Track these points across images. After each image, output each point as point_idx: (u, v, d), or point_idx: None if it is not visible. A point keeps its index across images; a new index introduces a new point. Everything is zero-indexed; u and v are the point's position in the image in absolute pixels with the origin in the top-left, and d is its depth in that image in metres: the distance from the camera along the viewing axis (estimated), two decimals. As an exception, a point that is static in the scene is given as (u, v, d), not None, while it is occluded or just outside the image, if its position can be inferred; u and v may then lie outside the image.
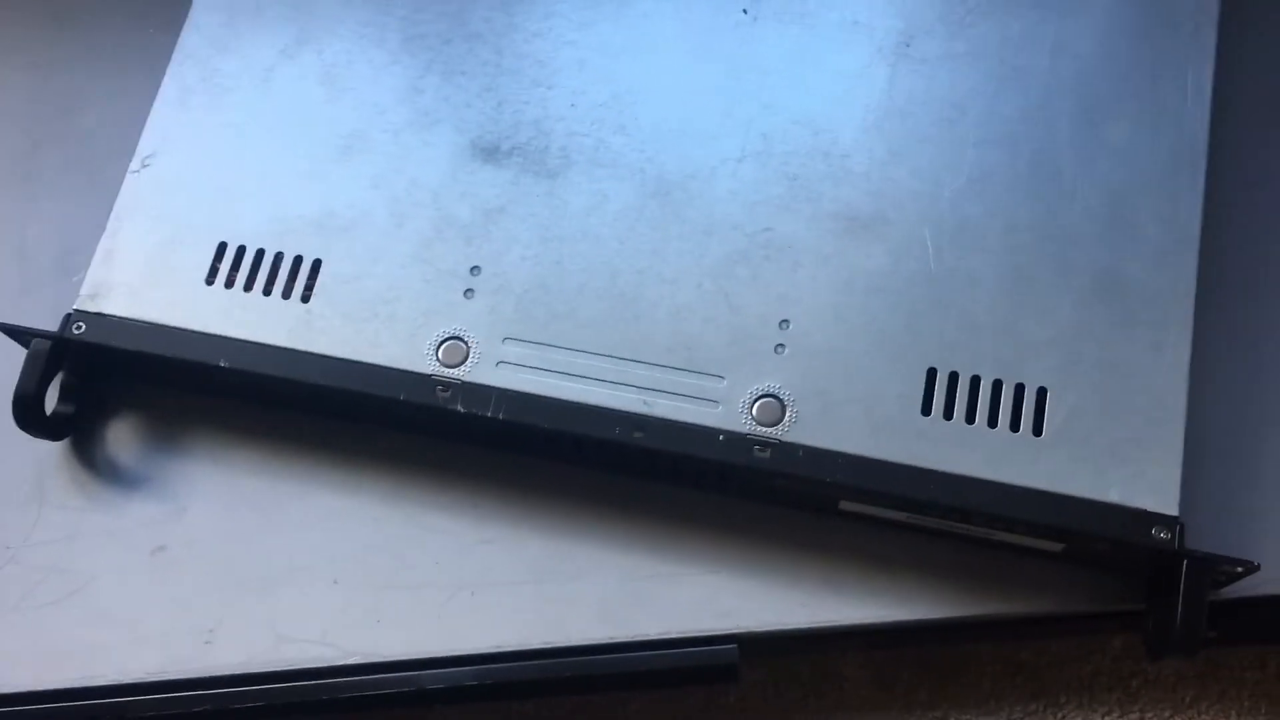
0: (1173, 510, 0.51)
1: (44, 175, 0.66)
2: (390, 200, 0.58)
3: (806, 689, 0.62)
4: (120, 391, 0.60)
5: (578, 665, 0.55)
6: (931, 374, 0.54)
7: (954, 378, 0.54)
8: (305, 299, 0.57)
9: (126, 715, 0.55)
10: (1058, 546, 0.54)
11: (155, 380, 0.60)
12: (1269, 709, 0.60)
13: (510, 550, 0.57)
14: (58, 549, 0.58)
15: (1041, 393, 0.53)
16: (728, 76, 0.60)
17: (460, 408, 0.54)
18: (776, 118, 0.59)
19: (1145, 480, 0.52)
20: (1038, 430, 0.53)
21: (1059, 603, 0.55)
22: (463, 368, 0.55)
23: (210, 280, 0.58)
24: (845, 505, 0.55)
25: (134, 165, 0.60)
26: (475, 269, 0.57)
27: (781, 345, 0.55)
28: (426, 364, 0.55)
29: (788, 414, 0.54)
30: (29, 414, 0.57)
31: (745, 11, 0.61)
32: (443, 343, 0.56)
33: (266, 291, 0.57)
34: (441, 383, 0.55)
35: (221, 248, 0.58)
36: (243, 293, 0.57)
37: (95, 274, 0.58)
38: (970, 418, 0.53)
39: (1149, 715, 0.60)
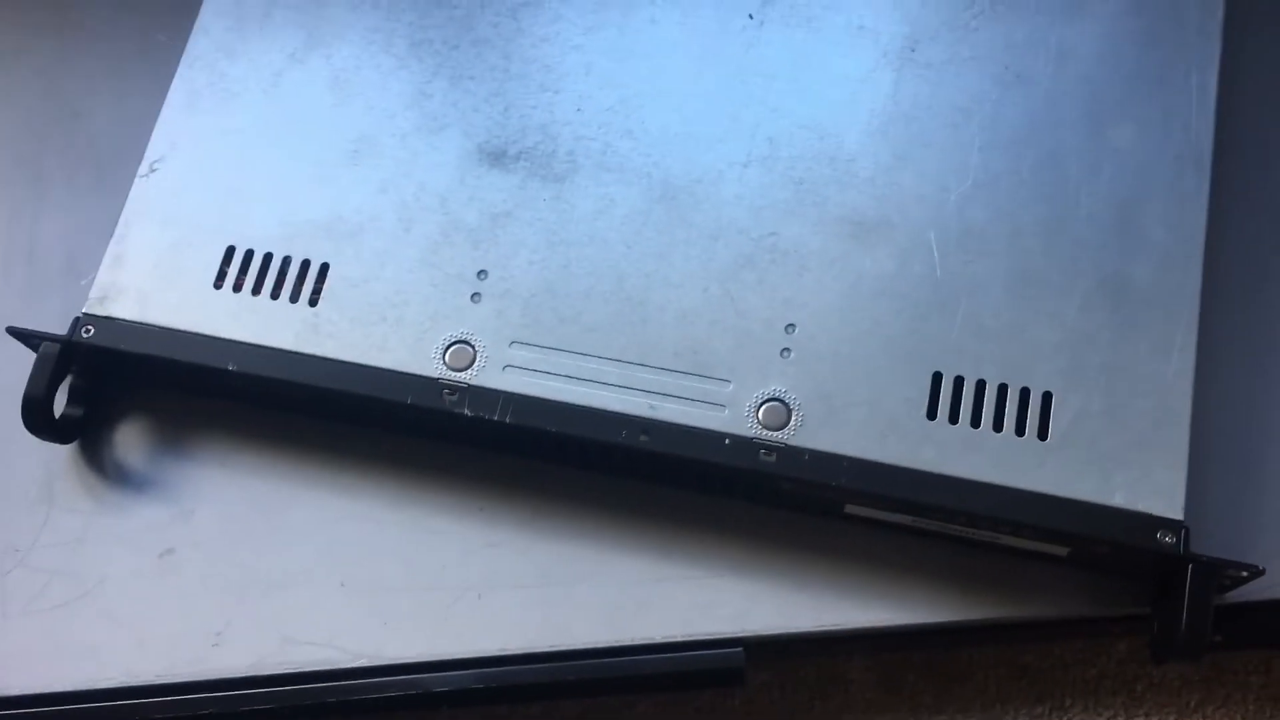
0: (1178, 514, 0.51)
1: (53, 179, 0.66)
2: (398, 204, 0.59)
3: (812, 692, 0.62)
4: (129, 395, 0.61)
5: (584, 668, 0.55)
6: (937, 378, 0.54)
7: (959, 382, 0.54)
8: (313, 303, 0.57)
9: (134, 718, 0.55)
10: (1063, 550, 0.54)
11: (163, 383, 0.60)
12: (1274, 713, 0.60)
13: (517, 553, 0.57)
14: (66, 552, 0.58)
15: (1047, 397, 0.53)
16: (733, 81, 0.60)
17: (467, 411, 0.55)
18: (782, 122, 0.59)
19: (1150, 484, 0.52)
20: (1043, 434, 0.53)
21: (1064, 606, 0.55)
22: (469, 371, 0.55)
23: (218, 284, 0.58)
24: (851, 509, 0.55)
25: (142, 169, 0.60)
26: (482, 273, 0.57)
27: (787, 349, 0.55)
28: (433, 368, 0.56)
29: (793, 418, 0.54)
30: (38, 417, 0.57)
31: (751, 16, 0.61)
32: (450, 346, 0.56)
33: (274, 295, 0.57)
34: (448, 386, 0.55)
35: (230, 251, 0.58)
36: (251, 296, 0.58)
37: (104, 277, 0.58)
38: (975, 422, 0.53)
39: (1154, 719, 0.60)
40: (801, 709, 0.62)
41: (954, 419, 0.53)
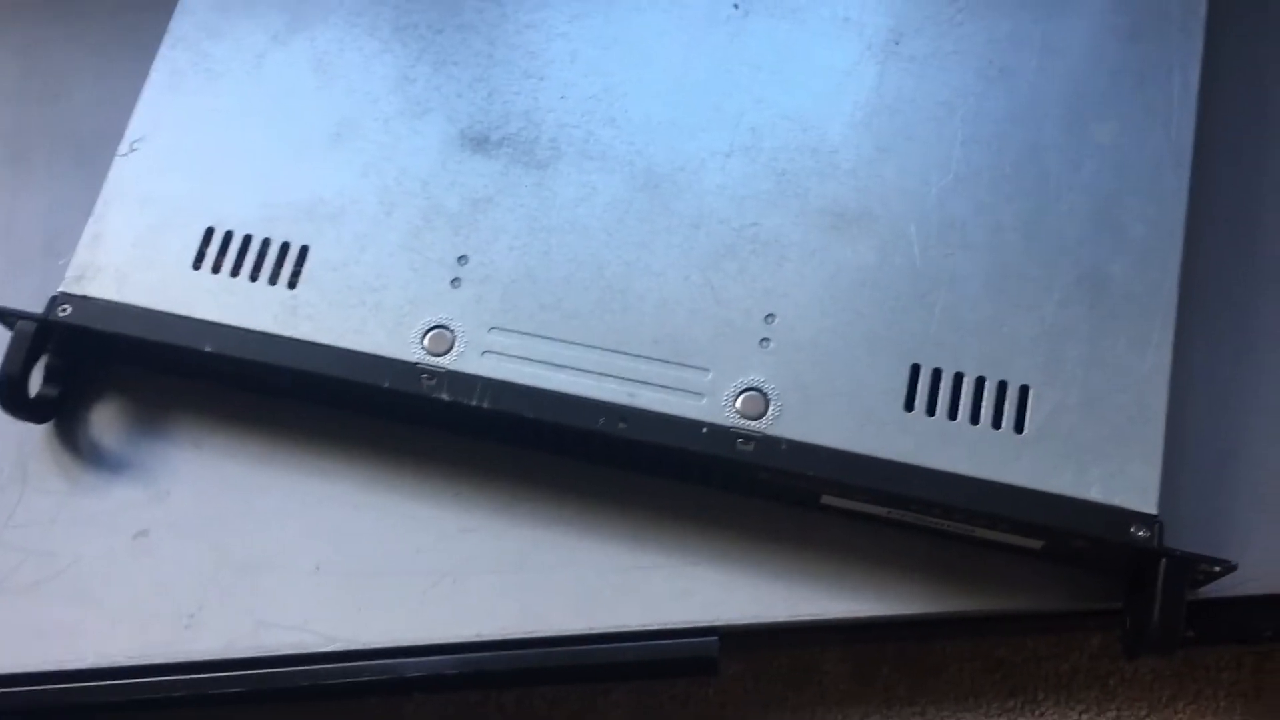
0: (1152, 509, 0.52)
1: (32, 158, 0.66)
2: (379, 188, 0.58)
3: (786, 682, 0.62)
4: (105, 375, 0.60)
5: (558, 655, 0.55)
6: (915, 370, 0.54)
7: (937, 374, 0.54)
8: (292, 285, 0.57)
9: (105, 699, 0.55)
10: (1038, 544, 0.54)
11: (140, 364, 0.60)
12: (1245, 708, 0.61)
13: (492, 539, 0.57)
14: (40, 532, 0.58)
15: (1024, 390, 0.54)
16: (718, 71, 0.60)
17: (445, 396, 0.55)
18: (766, 113, 0.59)
19: (1125, 479, 0.52)
20: (1019, 427, 0.53)
21: (1038, 600, 0.55)
22: (448, 356, 0.55)
23: (197, 265, 0.58)
24: (827, 499, 0.55)
25: (122, 149, 0.60)
26: (463, 258, 0.57)
27: (766, 339, 0.55)
28: (412, 352, 0.55)
29: (771, 407, 0.54)
30: (13, 396, 0.57)
31: (736, 6, 0.61)
32: (429, 331, 0.56)
33: (253, 277, 0.57)
34: (427, 371, 0.55)
35: (209, 232, 0.58)
36: (229, 278, 0.57)
37: (82, 257, 0.58)
38: (953, 414, 0.53)
39: (1125, 713, 0.60)
40: (775, 699, 0.62)
41: (931, 411, 0.54)
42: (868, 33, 0.60)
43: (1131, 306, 0.55)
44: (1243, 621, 0.56)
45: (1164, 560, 0.51)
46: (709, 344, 0.55)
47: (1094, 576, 0.55)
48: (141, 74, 0.61)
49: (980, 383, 0.54)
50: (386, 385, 0.55)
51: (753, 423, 0.54)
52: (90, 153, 0.62)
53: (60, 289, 0.57)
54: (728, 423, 0.54)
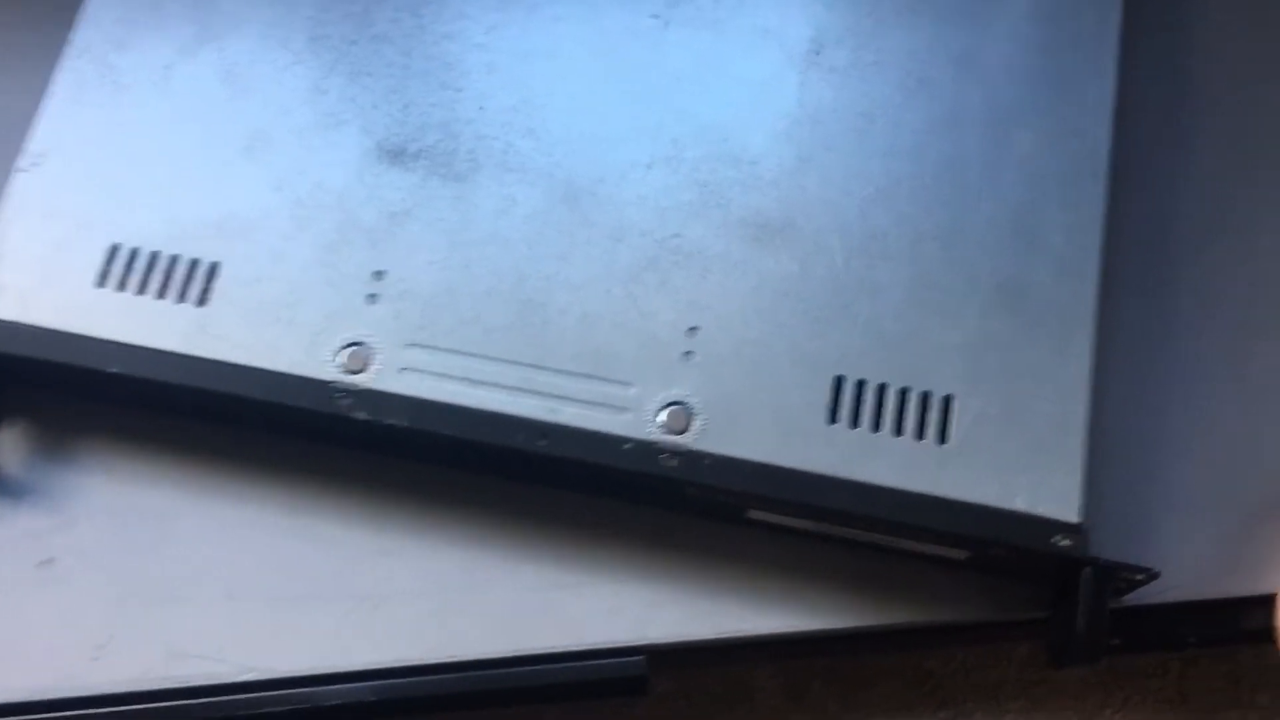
0: (1075, 518, 0.52)
1: (-71, 173, 0.63)
2: (293, 202, 0.57)
3: (717, 700, 0.61)
4: (7, 397, 0.58)
5: (482, 680, 0.54)
6: (839, 381, 0.54)
7: (861, 385, 0.54)
8: (202, 303, 0.55)
9: (10, 736, 0.53)
10: (963, 554, 0.54)
11: (44, 386, 0.58)
12: (1172, 714, 0.61)
13: (412, 562, 0.55)
14: (-62, 562, 0.56)
15: (947, 400, 0.54)
16: (638, 82, 0.59)
17: (362, 415, 0.53)
18: (686, 124, 0.58)
19: (1048, 487, 0.52)
20: (942, 438, 0.53)
21: (965, 611, 0.55)
22: (365, 374, 0.54)
23: (102, 283, 0.56)
24: (753, 514, 0.55)
25: (22, 163, 0.58)
26: (379, 273, 0.56)
27: (690, 352, 0.54)
28: (327, 370, 0.54)
29: (695, 422, 0.53)
30: (-93, 421, 0.55)
31: (656, 17, 0.60)
32: (345, 348, 0.55)
33: (161, 295, 0.55)
34: (343, 390, 0.54)
35: (114, 249, 0.56)
36: (136, 296, 0.56)
37: (-20, 275, 0.56)
38: (876, 425, 0.53)
39: (1054, 722, 0.61)
40: (706, 717, 0.61)
41: (855, 423, 0.53)
42: (788, 44, 0.60)
43: (1051, 315, 0.55)
44: (1167, 628, 0.57)
45: (1087, 569, 0.51)
46: (632, 358, 0.54)
47: (1020, 586, 0.55)
48: (42, 86, 0.59)
49: (904, 394, 0.54)
50: (301, 405, 0.53)
51: (677, 437, 0.53)
52: (-12, 167, 0.60)
53: (-43, 309, 0.55)
54: (651, 438, 0.53)
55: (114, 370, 0.54)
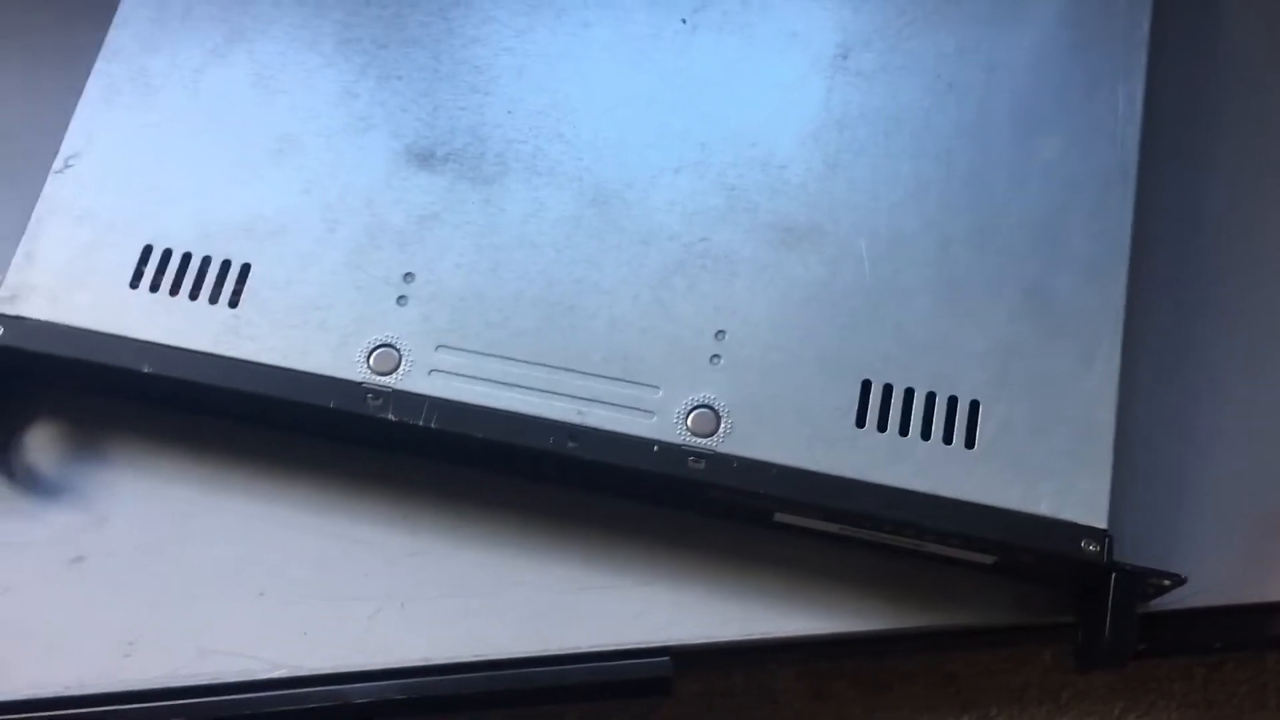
0: (1102, 523, 0.52)
1: (-37, 175, 0.64)
2: (322, 205, 0.57)
3: (741, 702, 0.61)
4: (40, 397, 0.59)
5: (509, 679, 0.54)
6: (866, 386, 0.54)
7: (888, 389, 0.54)
8: (233, 304, 0.56)
9: (42, 731, 0.53)
10: (989, 559, 0.54)
11: (76, 386, 0.58)
12: (1197, 719, 0.61)
13: (441, 562, 0.56)
14: (-29, 559, 0.56)
15: (974, 405, 0.54)
16: (666, 86, 0.59)
17: (391, 416, 0.54)
18: (714, 128, 0.58)
19: (1075, 493, 0.52)
20: (970, 443, 0.53)
21: (990, 615, 0.55)
22: (394, 375, 0.54)
23: (135, 284, 0.56)
24: (779, 517, 0.55)
25: (57, 165, 0.58)
26: (409, 276, 0.56)
27: (717, 356, 0.55)
28: (357, 371, 0.54)
29: (723, 425, 0.53)
30: (-58, 420, 0.55)
31: (684, 21, 0.61)
32: (374, 350, 0.55)
33: (193, 296, 0.56)
34: (372, 390, 0.54)
35: (147, 250, 0.57)
36: (168, 297, 0.56)
37: (15, 276, 0.56)
38: (904, 430, 0.53)
39: (1078, 727, 0.61)
40: (730, 719, 0.61)
41: (882, 427, 0.53)
42: (815, 48, 0.60)
43: (1079, 321, 0.55)
44: (1193, 633, 0.57)
45: (1114, 574, 0.52)
46: (659, 361, 0.54)
47: (1045, 590, 0.55)
48: (76, 89, 0.59)
49: (930, 398, 0.54)
50: (331, 406, 0.54)
51: (704, 440, 0.53)
52: (23, 169, 0.60)
53: (-8, 309, 0.56)
54: (679, 441, 0.53)
55: (146, 370, 0.54)
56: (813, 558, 0.56)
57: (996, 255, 0.56)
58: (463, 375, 0.54)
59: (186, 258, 0.56)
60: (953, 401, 0.54)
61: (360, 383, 0.54)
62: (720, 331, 0.55)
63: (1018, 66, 0.59)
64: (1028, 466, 0.53)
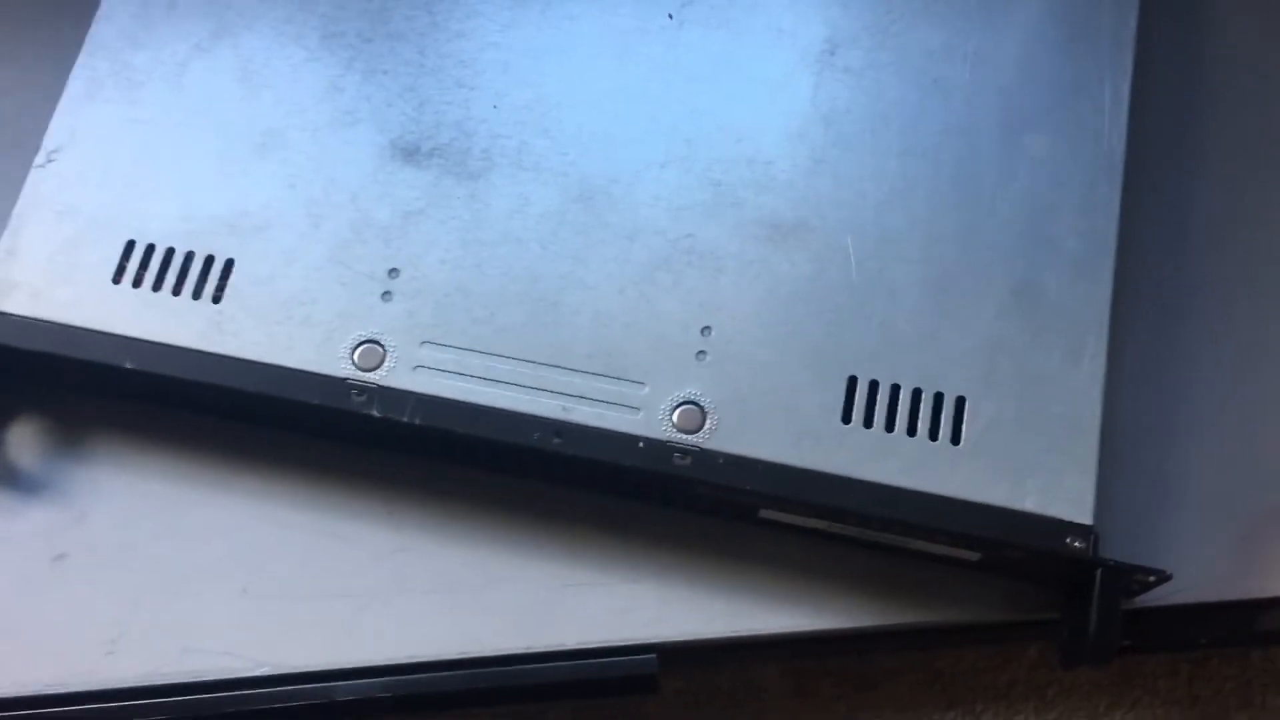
0: (1087, 520, 0.52)
1: (-56, 169, 0.63)
2: (307, 200, 0.57)
3: (726, 699, 0.61)
4: (21, 393, 0.58)
5: (494, 676, 0.54)
6: (852, 382, 0.54)
7: (874, 386, 0.54)
8: (216, 300, 0.55)
9: (23, 729, 0.53)
10: (975, 555, 0.54)
11: (58, 382, 0.58)
12: (1182, 715, 0.61)
13: (425, 558, 0.55)
14: (-48, 557, 0.56)
15: (960, 402, 0.54)
16: (652, 81, 0.59)
17: (376, 412, 0.53)
18: (700, 124, 0.58)
19: (1060, 489, 0.52)
20: (956, 439, 0.53)
21: (976, 612, 0.55)
22: (379, 371, 0.54)
23: (117, 279, 0.56)
24: (765, 513, 0.55)
25: (39, 160, 0.58)
26: (394, 271, 0.56)
27: (703, 352, 0.55)
28: (341, 368, 0.54)
29: (708, 421, 0.53)
30: (-78, 416, 0.55)
31: (671, 16, 0.60)
32: (358, 346, 0.55)
33: (176, 291, 0.56)
34: (356, 387, 0.54)
35: (130, 246, 0.56)
36: (151, 292, 0.56)
37: (-5, 271, 0.56)
38: (890, 426, 0.53)
39: (1064, 723, 0.61)
40: (717, 716, 0.61)
41: (868, 424, 0.53)
42: (802, 43, 0.60)
43: (1066, 318, 0.55)
44: (1178, 630, 0.57)
45: (1099, 571, 0.52)
46: (645, 357, 0.54)
47: (1031, 587, 0.55)
48: (59, 83, 0.59)
49: (917, 395, 0.54)
50: (315, 402, 0.54)
51: (690, 437, 0.53)
52: (4, 163, 0.60)
53: (-27, 305, 0.55)
54: (664, 437, 0.53)
55: (129, 366, 0.54)
56: (799, 554, 0.55)
57: (983, 252, 0.56)
58: (447, 371, 0.54)
59: (170, 253, 0.56)
60: (939, 398, 0.54)
61: (344, 379, 0.54)
62: (706, 327, 0.55)
63: (1005, 63, 0.59)
64: (1014, 463, 0.53)
